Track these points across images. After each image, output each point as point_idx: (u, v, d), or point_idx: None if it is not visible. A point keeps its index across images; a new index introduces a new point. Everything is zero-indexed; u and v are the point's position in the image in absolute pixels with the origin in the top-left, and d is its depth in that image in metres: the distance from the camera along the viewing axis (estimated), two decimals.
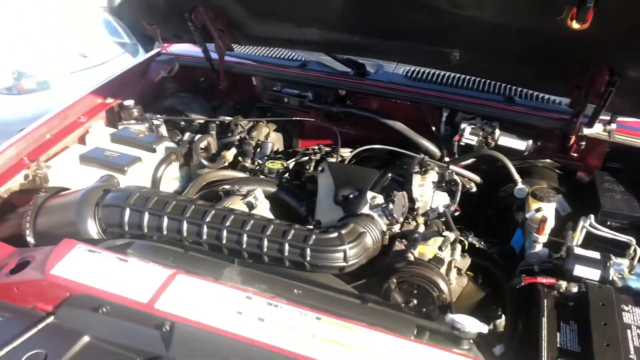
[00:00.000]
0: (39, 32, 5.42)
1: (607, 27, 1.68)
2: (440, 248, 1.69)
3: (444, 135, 2.42)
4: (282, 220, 1.68)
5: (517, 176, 2.15)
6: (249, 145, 2.32)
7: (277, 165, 2.18)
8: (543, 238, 1.88)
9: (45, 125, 2.16)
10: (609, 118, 2.14)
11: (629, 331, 1.49)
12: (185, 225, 1.64)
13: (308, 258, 1.57)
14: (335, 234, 1.60)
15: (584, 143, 2.23)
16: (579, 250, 1.77)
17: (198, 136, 2.26)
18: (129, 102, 2.39)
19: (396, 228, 1.85)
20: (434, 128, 2.41)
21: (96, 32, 5.94)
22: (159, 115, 2.39)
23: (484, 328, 1.39)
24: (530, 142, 2.29)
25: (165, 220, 1.65)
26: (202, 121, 2.49)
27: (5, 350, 1.32)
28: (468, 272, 1.92)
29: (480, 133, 2.29)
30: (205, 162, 2.19)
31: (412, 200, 1.98)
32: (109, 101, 2.43)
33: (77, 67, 5.29)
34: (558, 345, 1.46)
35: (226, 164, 2.28)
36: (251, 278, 1.49)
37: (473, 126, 2.30)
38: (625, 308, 1.57)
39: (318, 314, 1.37)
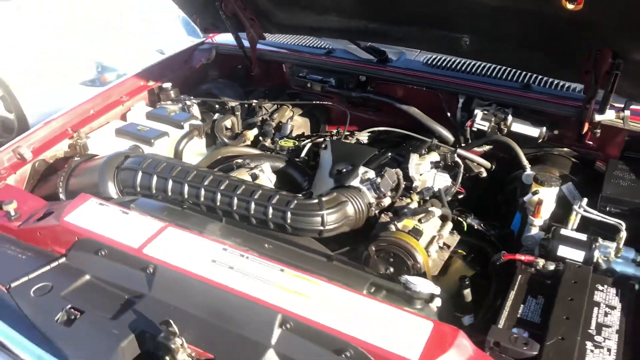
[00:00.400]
0: (120, 28, 5.90)
1: (601, 8, 1.67)
2: (420, 221, 1.76)
3: (460, 122, 2.46)
4: (274, 189, 1.82)
5: (525, 162, 2.15)
6: (269, 126, 2.48)
7: (288, 143, 2.33)
8: (539, 221, 1.89)
9: (91, 102, 2.45)
10: (623, 105, 2.09)
11: (596, 308, 1.49)
12: (186, 188, 1.83)
13: (288, 221, 1.70)
14: (315, 201, 1.72)
15: (599, 131, 2.18)
16: (565, 232, 1.77)
17: (221, 116, 2.45)
18: (167, 85, 2.63)
19: (386, 202, 1.93)
20: (449, 114, 2.45)
21: (174, 31, 6.39)
22: (192, 97, 2.61)
23: (436, 290, 1.45)
24: (544, 129, 2.28)
25: (170, 183, 1.85)
26: (233, 104, 2.69)
27: (21, 281, 1.57)
28: (460, 251, 1.96)
29: (493, 119, 2.31)
30: (225, 139, 2.38)
31: (409, 179, 2.05)
32: (151, 84, 2.69)
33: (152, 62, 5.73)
34: (518, 316, 1.49)
35: (247, 142, 2.46)
36: (230, 233, 1.65)
37: (485, 112, 2.32)
38: (600, 287, 1.56)
39: (282, 267, 1.50)
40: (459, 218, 2.08)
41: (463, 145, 2.36)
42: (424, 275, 1.71)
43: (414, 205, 1.96)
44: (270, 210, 1.72)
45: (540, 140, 2.30)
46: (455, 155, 2.13)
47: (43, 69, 4.78)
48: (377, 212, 1.90)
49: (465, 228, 2.08)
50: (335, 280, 1.47)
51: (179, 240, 1.61)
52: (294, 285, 1.45)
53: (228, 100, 2.64)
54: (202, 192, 1.81)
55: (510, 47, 2.10)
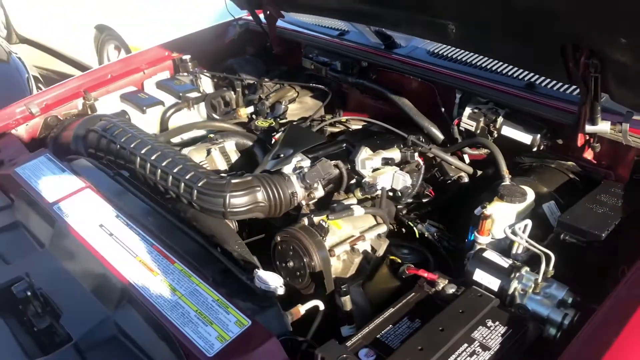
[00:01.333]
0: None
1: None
2: (327, 217, 1.65)
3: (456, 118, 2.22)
4: (197, 166, 1.83)
5: (505, 170, 1.90)
6: (262, 105, 2.47)
7: (265, 123, 2.30)
8: (484, 239, 1.68)
9: (109, 67, 2.64)
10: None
11: (465, 344, 1.29)
12: (126, 154, 1.92)
13: (194, 198, 1.71)
14: (224, 181, 1.70)
15: (598, 145, 1.84)
16: (489, 254, 1.55)
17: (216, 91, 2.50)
18: (186, 57, 2.74)
19: (317, 194, 1.84)
20: (443, 109, 2.23)
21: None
22: (205, 71, 2.69)
23: (279, 290, 1.36)
24: (538, 136, 1.96)
25: (117, 148, 1.95)
26: (251, 81, 2.72)
27: None
28: (393, 257, 1.81)
29: (482, 119, 2.05)
30: (213, 114, 2.43)
31: (357, 174, 1.92)
32: (175, 55, 2.82)
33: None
34: (378, 336, 1.35)
35: (239, 120, 2.48)
36: (132, 203, 1.70)
37: (475, 110, 2.07)
38: (489, 324, 1.35)
39: (153, 240, 1.52)
40: (409, 223, 1.91)
41: (449, 145, 2.14)
42: (319, 274, 1.61)
43: (352, 201, 1.84)
44: (182, 186, 1.73)
45: (535, 149, 1.99)
46: (416, 155, 1.94)
47: None
48: (304, 203, 1.82)
49: (417, 235, 1.91)
50: (190, 262, 1.45)
51: (87, 203, 1.70)
52: (150, 260, 1.47)
53: (242, 78, 2.67)
54: (138, 160, 1.88)
55: (496, 37, 1.84)
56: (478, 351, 1.27)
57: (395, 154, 1.97)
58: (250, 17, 3.05)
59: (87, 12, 5.56)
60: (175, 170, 1.77)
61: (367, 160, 1.90)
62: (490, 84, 2.11)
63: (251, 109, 2.51)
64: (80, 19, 5.66)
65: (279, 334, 1.31)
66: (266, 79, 2.60)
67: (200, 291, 1.36)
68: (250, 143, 2.20)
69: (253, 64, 2.86)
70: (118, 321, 1.38)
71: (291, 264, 1.65)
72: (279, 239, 1.68)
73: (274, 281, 1.37)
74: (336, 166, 1.87)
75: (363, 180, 1.90)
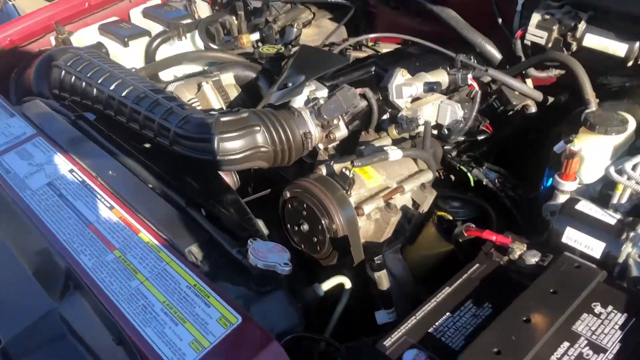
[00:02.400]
0: None
1: None
2: (352, 164, 1.20)
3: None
4: (180, 102, 1.39)
5: (590, 93, 1.41)
6: (269, 29, 1.99)
7: (271, 50, 1.83)
8: (570, 185, 1.21)
9: None
10: None
11: (566, 343, 0.85)
12: (93, 91, 1.49)
13: (173, 142, 1.28)
14: (210, 120, 1.26)
15: None
16: (584, 206, 1.09)
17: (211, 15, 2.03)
18: None
19: (339, 135, 1.39)
20: (500, 20, 1.72)
21: None
22: None
23: (284, 267, 0.93)
24: (637, 45, 1.45)
25: (83, 85, 1.53)
26: (257, 4, 2.24)
27: None
28: (441, 213, 1.36)
29: (555, 27, 1.54)
30: (209, 43, 1.96)
31: (391, 105, 1.46)
32: None
33: None
34: (430, 330, 0.92)
35: (242, 50, 2.01)
36: (92, 155, 1.28)
37: (547, 16, 1.56)
38: (597, 309, 0.91)
39: (114, 203, 1.11)
40: (461, 167, 1.45)
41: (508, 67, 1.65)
42: (343, 240, 1.18)
43: (385, 142, 1.39)
44: (157, 127, 1.30)
45: (630, 63, 1.48)
46: (469, 77, 1.46)
47: None
48: (322, 146, 1.38)
49: (472, 182, 1.46)
50: (161, 230, 1.04)
51: (34, 156, 1.29)
52: (108, 232, 1.05)
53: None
54: (105, 97, 1.45)
55: None
56: (587, 354, 0.84)
57: (441, 77, 1.49)
58: None
59: None
60: (147, 108, 1.34)
61: (405, 86, 1.42)
62: None
63: (256, 35, 2.03)
64: None
65: (283, 332, 0.89)
66: None
67: (172, 272, 0.95)
68: (253, 75, 1.75)
69: None
70: (65, 315, 0.99)
71: (305, 227, 1.22)
72: (288, 194, 1.25)
73: (276, 255, 0.94)
74: (363, 95, 1.41)
75: (399, 114, 1.44)
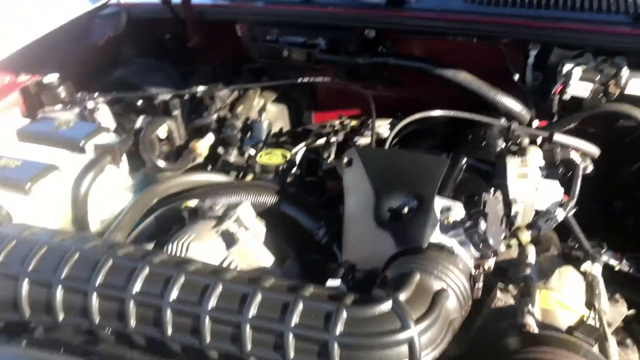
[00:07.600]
0: None
1: None
2: (591, 301, 0.86)
3: (532, 87, 1.57)
4: (284, 284, 0.86)
5: None
6: (232, 128, 1.50)
7: (275, 158, 1.36)
8: None
9: None
10: None
11: None
12: (93, 303, 0.85)
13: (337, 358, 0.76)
14: (387, 305, 0.78)
15: None
16: None
17: (149, 121, 1.44)
18: (51, 79, 1.58)
19: (491, 263, 1.03)
20: (516, 77, 1.55)
21: None
22: (97, 94, 1.59)
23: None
24: None
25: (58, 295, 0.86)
26: (167, 97, 1.67)
27: None
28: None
29: (597, 77, 1.43)
30: (161, 163, 1.38)
31: (507, 204, 1.15)
32: (23, 79, 1.63)
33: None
34: None
35: (198, 160, 1.48)
36: None
37: (584, 67, 1.43)
38: None
39: None
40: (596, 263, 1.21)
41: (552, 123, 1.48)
42: None
43: (531, 254, 1.07)
44: (291, 341, 0.77)
45: None
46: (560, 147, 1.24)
47: None
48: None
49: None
50: None
51: None
52: None
53: (156, 92, 1.64)
54: (131, 307, 0.83)
55: None
56: None
57: (536, 154, 1.23)
58: (117, 1, 1.99)
59: None
60: (254, 312, 0.78)
61: (521, 177, 1.13)
62: (580, 25, 1.49)
63: (210, 138, 1.51)
64: None
65: None
66: (220, 85, 1.60)
67: None
68: (269, 200, 1.24)
69: (161, 70, 1.83)
70: None
71: None
72: None
73: None
74: (496, 201, 1.07)
75: (512, 212, 1.14)
